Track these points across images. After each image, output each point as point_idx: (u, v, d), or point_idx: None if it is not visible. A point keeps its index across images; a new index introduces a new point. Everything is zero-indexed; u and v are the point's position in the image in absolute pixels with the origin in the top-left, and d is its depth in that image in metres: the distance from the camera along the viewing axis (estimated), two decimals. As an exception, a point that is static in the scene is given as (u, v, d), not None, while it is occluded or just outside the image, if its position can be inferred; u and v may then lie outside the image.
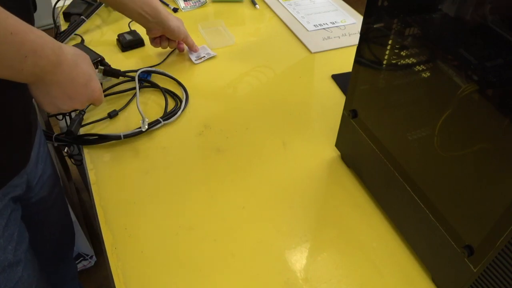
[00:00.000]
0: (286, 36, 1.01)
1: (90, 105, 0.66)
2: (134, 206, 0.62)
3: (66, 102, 0.54)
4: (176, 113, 0.77)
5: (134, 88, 0.81)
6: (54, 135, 0.71)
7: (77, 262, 1.28)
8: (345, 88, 0.84)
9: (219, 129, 0.75)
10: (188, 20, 1.05)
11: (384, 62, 0.53)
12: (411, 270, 0.55)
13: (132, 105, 0.80)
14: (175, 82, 0.85)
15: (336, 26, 1.04)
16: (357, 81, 0.58)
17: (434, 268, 0.53)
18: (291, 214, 0.62)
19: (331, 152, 0.71)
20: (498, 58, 0.37)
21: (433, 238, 0.50)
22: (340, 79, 0.87)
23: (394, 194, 0.57)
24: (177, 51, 0.94)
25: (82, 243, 1.26)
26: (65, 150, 1.24)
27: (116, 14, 1.08)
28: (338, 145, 0.69)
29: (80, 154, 0.73)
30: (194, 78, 0.87)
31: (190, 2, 1.14)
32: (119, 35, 0.95)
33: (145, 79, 0.84)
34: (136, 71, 0.83)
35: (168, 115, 0.76)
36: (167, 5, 1.12)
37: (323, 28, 1.03)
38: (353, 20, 1.07)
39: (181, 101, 0.79)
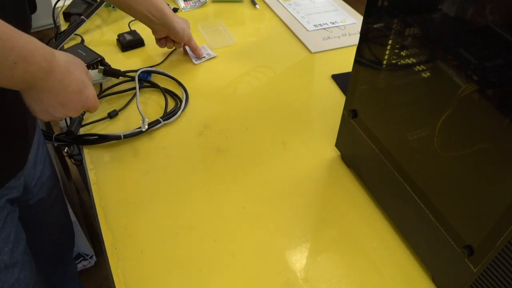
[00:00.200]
0: (286, 36, 1.01)
1: (85, 112, 0.67)
2: (134, 206, 0.62)
3: (59, 109, 0.52)
4: (176, 113, 0.77)
5: (134, 88, 0.81)
6: (54, 135, 0.71)
7: (77, 262, 1.28)
8: (345, 88, 0.84)
9: (219, 129, 0.75)
10: (188, 20, 1.05)
11: (384, 62, 0.53)
12: (411, 270, 0.55)
13: (132, 105, 0.80)
14: (175, 82, 0.85)
15: (336, 26, 1.04)
16: (357, 81, 0.58)
17: (434, 268, 0.53)
18: (291, 214, 0.62)
19: (331, 152, 0.71)
20: (498, 58, 0.37)
21: (433, 238, 0.50)
22: (340, 79, 0.87)
23: (394, 194, 0.56)
24: (177, 51, 0.94)
25: (82, 243, 1.26)
26: (65, 150, 1.23)
27: (116, 14, 1.08)
28: (338, 145, 0.69)
29: (80, 154, 0.73)
30: (194, 78, 0.87)
31: (190, 2, 1.14)
32: (119, 35, 0.95)
33: (145, 79, 0.84)
34: (136, 71, 0.83)
35: (168, 115, 0.76)
36: (167, 5, 1.12)
37: (323, 28, 1.03)
38: (353, 20, 1.07)
39: (181, 101, 0.79)
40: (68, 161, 1.41)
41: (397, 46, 0.50)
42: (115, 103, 0.80)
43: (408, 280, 0.54)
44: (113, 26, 1.03)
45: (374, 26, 0.52)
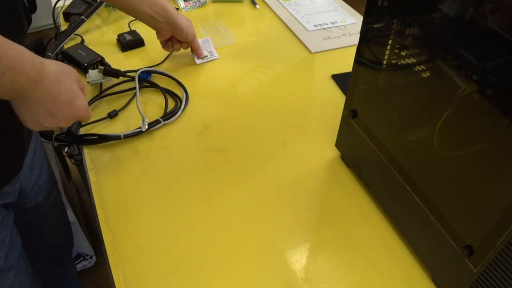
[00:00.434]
0: (286, 36, 1.01)
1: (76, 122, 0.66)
2: (134, 206, 0.62)
3: (49, 120, 0.51)
4: (176, 113, 0.77)
5: (134, 88, 0.81)
6: (54, 135, 0.71)
7: (77, 262, 1.28)
8: (345, 88, 0.84)
9: (219, 129, 0.75)
10: (188, 20, 1.05)
11: (384, 62, 0.53)
12: (411, 270, 0.55)
13: (132, 105, 0.80)
14: (175, 82, 0.85)
15: (336, 26, 1.04)
16: (357, 81, 0.58)
17: (434, 268, 0.53)
18: (291, 214, 0.62)
19: (331, 152, 0.71)
20: (498, 58, 0.37)
21: (433, 238, 0.50)
22: (340, 79, 0.87)
23: (394, 194, 0.56)
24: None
25: (82, 243, 1.26)
26: (65, 150, 1.23)
27: (116, 14, 1.08)
28: (338, 145, 0.69)
29: (80, 154, 0.73)
30: (194, 78, 0.87)
31: (190, 2, 1.14)
32: (119, 35, 0.95)
33: (145, 79, 0.84)
34: (136, 71, 0.83)
35: (168, 115, 0.76)
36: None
37: (323, 28, 1.03)
38: (353, 20, 1.07)
39: (181, 101, 0.79)
40: (68, 161, 1.41)
41: (397, 46, 0.50)
42: (115, 103, 0.80)
43: (408, 280, 0.54)
44: (113, 26, 1.03)
45: (374, 26, 0.52)
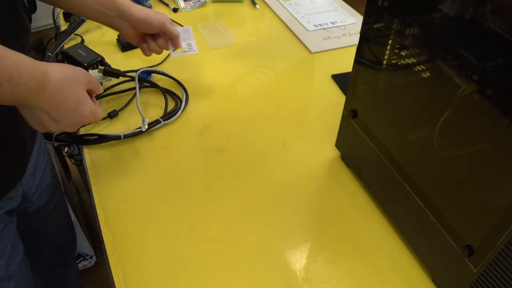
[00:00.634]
0: (286, 36, 1.01)
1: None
2: (134, 206, 0.62)
3: (53, 125, 0.50)
4: (176, 113, 0.77)
5: (134, 88, 0.81)
6: (54, 135, 0.71)
7: (77, 262, 1.28)
8: (345, 88, 0.84)
9: (219, 129, 0.75)
10: (188, 20, 1.05)
11: (384, 62, 0.53)
12: (411, 270, 0.55)
13: (132, 105, 0.80)
14: (175, 82, 0.85)
15: (336, 26, 1.04)
16: (357, 81, 0.58)
17: (434, 268, 0.53)
18: (291, 214, 0.62)
19: (331, 152, 0.71)
20: (498, 58, 0.37)
21: (433, 238, 0.50)
22: (340, 79, 0.87)
23: (394, 194, 0.56)
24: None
25: (82, 243, 1.26)
26: (65, 150, 1.23)
27: (116, 14, 1.08)
28: (338, 145, 0.69)
29: (80, 154, 0.72)
30: (194, 78, 0.87)
31: (190, 2, 1.14)
32: (119, 35, 0.95)
33: (145, 79, 0.84)
34: (136, 71, 0.83)
35: (168, 115, 0.76)
36: (167, 5, 1.12)
37: (323, 28, 1.03)
38: (353, 20, 1.07)
39: (181, 101, 0.79)
40: (68, 161, 1.41)
41: (397, 46, 0.50)
42: (115, 103, 0.80)
43: (408, 280, 0.54)
44: (113, 26, 1.03)
45: (374, 26, 0.52)
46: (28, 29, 0.55)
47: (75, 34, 0.97)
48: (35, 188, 0.67)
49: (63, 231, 0.86)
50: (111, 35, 0.99)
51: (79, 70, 0.52)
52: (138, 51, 0.94)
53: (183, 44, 0.77)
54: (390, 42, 0.50)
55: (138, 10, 0.72)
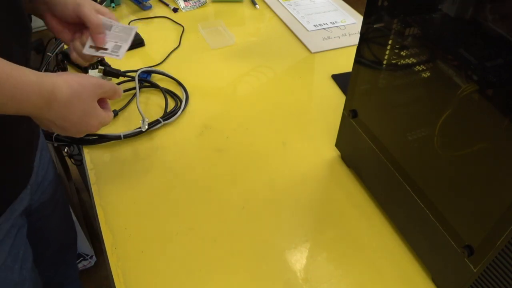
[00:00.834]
0: (286, 36, 1.01)
1: None
2: (134, 206, 0.62)
3: (61, 131, 0.50)
4: (176, 113, 0.77)
5: (134, 88, 0.81)
6: (54, 135, 0.71)
7: (77, 262, 1.28)
8: (345, 88, 0.84)
9: (219, 129, 0.75)
10: (188, 20, 1.05)
11: (384, 62, 0.53)
12: (411, 270, 0.55)
13: (132, 105, 0.80)
14: (175, 82, 0.85)
15: (336, 26, 1.04)
16: (357, 81, 0.58)
17: (434, 268, 0.53)
18: (291, 214, 0.62)
19: (331, 152, 0.71)
20: (498, 58, 0.37)
21: (433, 238, 0.50)
22: (340, 79, 0.87)
23: (394, 194, 0.56)
24: (177, 50, 0.94)
25: (82, 243, 1.26)
26: (65, 150, 1.23)
27: (116, 14, 1.08)
28: (338, 145, 0.69)
29: (80, 154, 0.73)
30: (194, 78, 0.87)
31: (190, 2, 1.14)
32: (119, 35, 0.95)
33: (145, 79, 0.84)
34: (136, 71, 0.83)
35: (168, 115, 0.76)
36: (167, 5, 1.12)
37: (323, 28, 1.03)
38: (353, 20, 1.07)
39: (181, 101, 0.79)
40: (68, 161, 1.41)
41: (397, 46, 0.50)
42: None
43: (408, 280, 0.54)
44: (113, 26, 1.03)
45: (374, 26, 0.52)
46: (29, 28, 0.55)
47: (75, 34, 0.97)
48: (37, 185, 0.67)
49: (64, 230, 0.86)
50: (111, 35, 0.99)
51: (88, 82, 0.49)
52: (138, 51, 0.95)
53: (109, 44, 0.57)
54: (390, 42, 0.50)
55: None
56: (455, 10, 0.41)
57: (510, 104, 0.36)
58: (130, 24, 1.02)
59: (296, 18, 1.07)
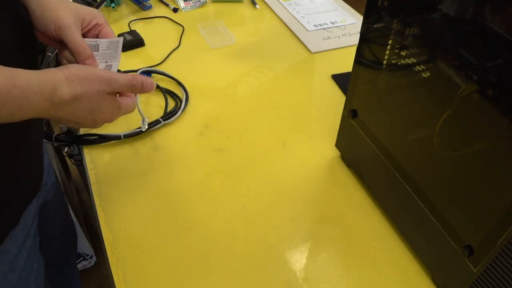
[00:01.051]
0: (286, 36, 1.01)
1: None
2: (134, 206, 0.62)
3: (73, 125, 0.49)
4: (176, 113, 0.77)
5: (134, 88, 0.81)
6: (54, 135, 0.71)
7: (77, 262, 1.28)
8: (345, 88, 0.84)
9: (219, 129, 0.75)
10: (188, 20, 1.05)
11: (384, 62, 0.53)
12: (411, 270, 0.55)
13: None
14: (175, 82, 0.85)
15: (336, 26, 1.04)
16: (357, 81, 0.58)
17: (434, 268, 0.53)
18: (291, 214, 0.62)
19: (331, 152, 0.71)
20: (498, 58, 0.37)
21: (433, 238, 0.50)
22: (340, 79, 0.87)
23: (394, 194, 0.56)
24: (177, 50, 0.94)
25: (82, 243, 1.26)
26: (65, 150, 1.23)
27: (116, 14, 1.08)
28: (338, 145, 0.69)
29: (80, 154, 0.73)
30: (194, 78, 0.87)
31: (190, 2, 1.14)
32: (119, 35, 0.95)
33: (145, 79, 0.84)
34: (136, 71, 0.83)
35: (168, 115, 0.76)
36: (167, 5, 1.12)
37: (323, 28, 1.03)
38: (353, 20, 1.07)
39: (181, 101, 0.79)
40: (68, 161, 1.41)
41: (397, 46, 0.50)
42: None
43: (408, 280, 0.54)
44: (113, 26, 1.03)
45: (374, 26, 0.52)
46: (29, 26, 0.52)
47: (75, 34, 0.97)
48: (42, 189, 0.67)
49: (65, 230, 0.86)
50: (111, 35, 0.99)
51: (95, 76, 0.46)
52: (138, 51, 0.95)
53: (100, 66, 0.53)
54: (390, 42, 0.50)
55: (38, 2, 0.51)
56: (455, 10, 0.41)
57: (510, 104, 0.36)
58: (130, 24, 1.02)
59: (296, 18, 1.07)
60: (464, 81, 0.41)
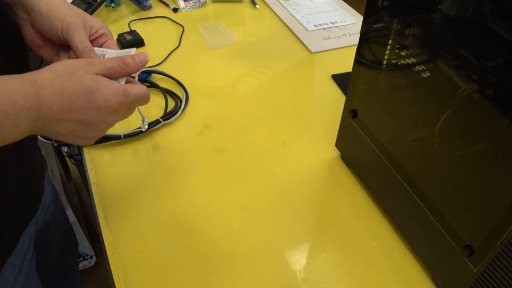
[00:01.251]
0: (286, 36, 1.01)
1: None
2: (134, 206, 0.62)
3: (80, 137, 0.43)
4: (176, 113, 0.77)
5: (134, 88, 0.81)
6: (54, 135, 0.71)
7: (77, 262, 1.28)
8: (345, 88, 0.84)
9: (219, 129, 0.75)
10: (188, 20, 1.05)
11: (384, 62, 0.53)
12: (411, 270, 0.55)
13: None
14: (175, 82, 0.85)
15: (336, 26, 1.04)
16: (357, 81, 0.58)
17: (434, 268, 0.53)
18: (291, 214, 0.62)
19: (331, 152, 0.71)
20: (498, 58, 0.37)
21: (433, 238, 0.50)
22: (340, 79, 0.87)
23: (394, 194, 0.56)
24: (177, 50, 0.94)
25: (82, 243, 1.26)
26: (65, 150, 1.24)
27: (116, 14, 1.08)
28: (338, 145, 0.69)
29: (80, 154, 0.73)
30: (194, 78, 0.87)
31: (190, 2, 1.14)
32: (119, 35, 0.95)
33: (145, 79, 0.84)
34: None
35: (168, 115, 0.76)
36: (167, 5, 1.12)
37: (323, 28, 1.03)
38: (353, 20, 1.07)
39: (181, 101, 0.79)
40: (68, 161, 1.41)
41: (397, 46, 0.50)
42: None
43: (408, 280, 0.54)
44: (113, 26, 1.03)
45: (374, 26, 0.52)
46: (12, 28, 0.48)
47: (75, 34, 0.97)
48: (41, 206, 0.64)
49: (65, 240, 0.84)
50: (111, 35, 0.99)
51: (75, 61, 0.41)
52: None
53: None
54: (390, 42, 0.50)
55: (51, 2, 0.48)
56: (455, 10, 0.41)
57: (510, 104, 0.36)
58: (130, 24, 1.02)
59: (296, 18, 1.07)
60: (464, 81, 0.41)
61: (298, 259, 0.56)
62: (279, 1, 1.15)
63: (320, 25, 1.05)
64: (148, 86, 0.84)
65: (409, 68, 0.49)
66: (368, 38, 0.54)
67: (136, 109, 0.67)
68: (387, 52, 0.51)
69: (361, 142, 0.61)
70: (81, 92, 0.40)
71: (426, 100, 0.48)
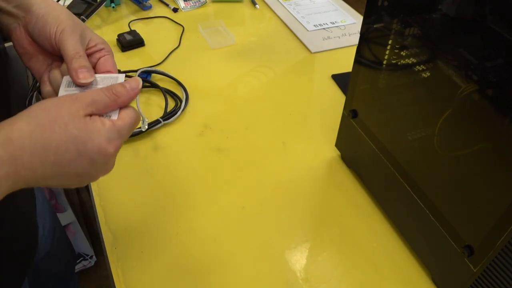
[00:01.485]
0: (286, 36, 1.01)
1: None
2: (134, 206, 0.62)
3: (77, 179, 0.38)
4: (176, 113, 0.77)
5: (134, 88, 0.81)
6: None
7: (77, 262, 1.28)
8: (345, 88, 0.84)
9: (219, 129, 0.75)
10: (188, 20, 1.05)
11: (384, 62, 0.53)
12: (411, 270, 0.55)
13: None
14: (175, 82, 0.85)
15: (336, 26, 1.04)
16: (357, 81, 0.58)
17: (434, 268, 0.53)
18: (291, 214, 0.62)
19: (331, 152, 0.71)
20: (498, 58, 0.37)
21: (433, 238, 0.50)
22: (340, 79, 0.87)
23: (394, 194, 0.56)
24: (177, 50, 0.94)
25: (82, 243, 1.26)
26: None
27: (116, 14, 1.08)
28: (338, 145, 0.69)
29: (80, 154, 0.72)
30: (194, 78, 0.87)
31: (190, 2, 1.14)
32: (119, 35, 0.95)
33: (145, 79, 0.84)
34: (136, 71, 0.83)
35: (168, 115, 0.76)
36: (167, 5, 1.12)
37: (323, 28, 1.03)
38: (353, 20, 1.07)
39: (181, 101, 0.79)
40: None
41: (397, 46, 0.50)
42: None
43: (408, 280, 0.54)
44: (113, 26, 1.03)
45: (374, 26, 0.52)
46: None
47: (75, 34, 0.97)
48: (40, 237, 0.64)
49: (65, 261, 0.82)
50: (111, 35, 0.99)
51: (56, 101, 0.35)
52: (138, 51, 0.95)
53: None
54: (390, 42, 0.50)
55: (50, 8, 0.43)
56: (455, 10, 0.41)
57: (510, 104, 0.36)
58: (130, 24, 1.02)
59: (296, 18, 1.07)
60: (464, 81, 0.41)
61: (298, 259, 0.56)
62: (279, 1, 1.15)
63: (320, 25, 1.05)
64: (148, 86, 0.84)
65: (409, 68, 0.49)
66: (368, 38, 0.54)
67: (137, 109, 0.65)
68: (387, 52, 0.51)
69: (361, 142, 0.61)
70: (68, 145, 0.34)
71: (426, 100, 0.48)
